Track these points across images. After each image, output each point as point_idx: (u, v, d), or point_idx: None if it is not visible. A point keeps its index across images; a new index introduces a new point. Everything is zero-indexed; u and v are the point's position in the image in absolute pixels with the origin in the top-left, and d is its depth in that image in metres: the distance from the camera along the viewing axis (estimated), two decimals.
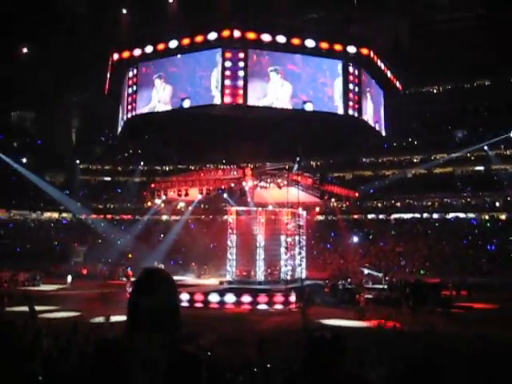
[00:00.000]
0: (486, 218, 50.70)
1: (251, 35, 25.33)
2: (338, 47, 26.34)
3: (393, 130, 37.33)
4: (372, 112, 29.83)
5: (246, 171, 30.41)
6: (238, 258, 34.00)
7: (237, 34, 25.16)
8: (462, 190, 51.55)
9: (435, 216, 52.27)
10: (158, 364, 2.07)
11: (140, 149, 61.82)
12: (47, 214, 59.93)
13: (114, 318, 16.79)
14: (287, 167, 36.63)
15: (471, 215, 51.10)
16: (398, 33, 51.47)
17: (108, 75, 30.21)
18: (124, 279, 38.00)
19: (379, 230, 49.94)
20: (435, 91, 59.91)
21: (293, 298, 28.22)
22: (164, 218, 54.40)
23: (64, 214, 59.67)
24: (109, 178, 64.37)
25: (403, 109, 45.33)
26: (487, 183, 50.32)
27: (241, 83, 25.46)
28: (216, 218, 50.05)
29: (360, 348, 14.18)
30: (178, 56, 26.80)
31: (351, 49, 26.57)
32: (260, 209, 34.24)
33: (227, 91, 25.35)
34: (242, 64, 25.46)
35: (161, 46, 26.59)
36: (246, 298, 27.95)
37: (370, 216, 53.71)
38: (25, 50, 56.30)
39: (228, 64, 25.46)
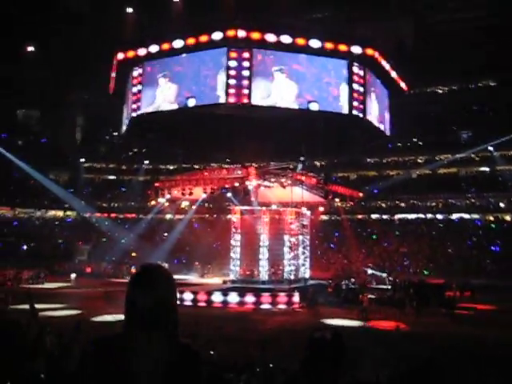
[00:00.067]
0: (491, 218, 50.54)
1: (256, 35, 25.36)
2: (342, 47, 26.32)
3: (397, 131, 37.28)
4: (377, 112, 29.80)
5: (249, 170, 30.39)
6: (242, 257, 34.02)
7: (241, 33, 25.18)
8: (466, 191, 51.39)
9: (439, 217, 52.12)
10: (157, 363, 2.06)
11: (144, 147, 61.92)
12: (51, 213, 59.98)
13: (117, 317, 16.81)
14: (291, 167, 36.63)
15: (475, 216, 50.92)
16: (401, 33, 51.35)
17: (113, 74, 30.27)
18: (128, 278, 38.05)
19: (383, 230, 49.87)
20: (440, 91, 59.73)
21: (296, 297, 28.23)
22: (168, 216, 54.47)
23: (68, 213, 59.76)
24: (113, 177, 64.43)
25: (408, 109, 45.23)
26: (492, 184, 50.17)
27: (245, 83, 25.47)
28: (220, 217, 50.10)
29: (362, 348, 14.20)
30: (183, 55, 26.83)
31: (356, 49, 26.55)
32: (264, 208, 34.25)
33: (232, 91, 25.37)
34: (246, 64, 25.47)
35: (166, 46, 26.63)
36: (250, 298, 27.97)
37: (374, 216, 53.63)
38: (29, 49, 56.49)
39: (233, 63, 25.47)
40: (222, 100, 25.65)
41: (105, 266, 46.34)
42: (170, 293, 2.15)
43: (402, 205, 53.79)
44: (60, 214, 60.28)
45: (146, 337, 2.02)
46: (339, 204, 37.44)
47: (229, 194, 31.79)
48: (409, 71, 34.72)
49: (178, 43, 26.28)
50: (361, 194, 37.72)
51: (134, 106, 28.23)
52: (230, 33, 25.30)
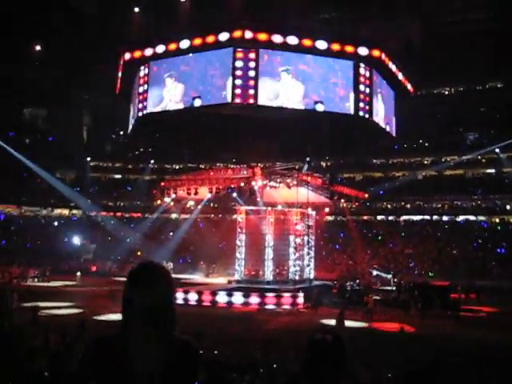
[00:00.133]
0: (497, 220, 50.42)
1: (262, 36, 25.34)
2: (349, 49, 26.27)
3: (403, 132, 37.19)
4: (383, 113, 29.72)
5: (255, 171, 30.37)
6: (247, 257, 34.04)
7: (248, 34, 25.17)
8: (472, 193, 51.25)
9: (445, 218, 52.03)
10: (156, 362, 2.05)
11: (150, 147, 62.07)
12: (58, 211, 60.25)
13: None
14: (297, 167, 36.61)
15: (481, 218, 50.78)
16: (409, 34, 51.23)
17: (119, 74, 30.33)
18: None
19: (388, 231, 49.80)
20: (447, 93, 59.61)
21: (301, 298, 28.22)
22: (173, 216, 54.57)
23: (74, 211, 59.99)
24: (119, 176, 64.64)
25: (414, 110, 45.18)
26: (498, 186, 50.03)
27: (252, 83, 25.45)
28: (225, 217, 50.16)
29: (366, 350, 14.19)
30: (190, 55, 26.85)
31: (363, 50, 26.49)
32: (269, 208, 34.24)
33: (238, 91, 25.36)
34: (252, 64, 25.46)
35: (172, 46, 26.64)
36: (254, 298, 27.98)
37: (379, 217, 53.57)
38: (37, 48, 56.73)
39: (239, 64, 25.47)
40: (229, 100, 25.67)
41: (110, 264, 46.46)
42: (168, 291, 2.12)
43: (408, 206, 53.71)
44: (66, 212, 60.50)
45: (145, 336, 2.01)
46: (345, 205, 37.39)
47: (234, 194, 31.77)
48: (416, 72, 34.65)
49: (184, 43, 26.30)
50: (366, 195, 37.66)
51: (141, 106, 28.27)
52: (237, 33, 25.29)
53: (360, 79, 26.91)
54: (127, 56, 28.28)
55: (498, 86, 56.84)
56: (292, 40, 25.59)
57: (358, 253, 45.73)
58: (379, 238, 49.70)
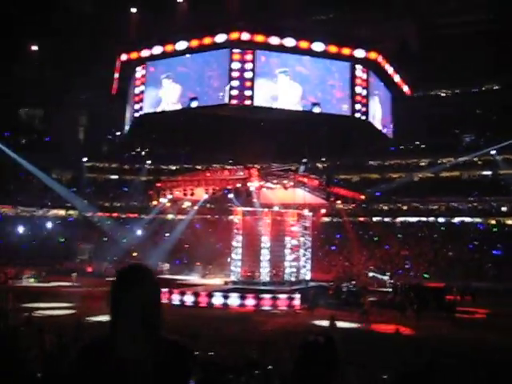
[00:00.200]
0: (493, 222, 50.53)
1: (259, 38, 25.40)
2: (346, 51, 26.34)
3: (400, 133, 37.24)
4: (380, 115, 29.77)
5: (252, 172, 30.40)
6: (243, 258, 34.04)
7: (245, 36, 25.22)
8: (468, 195, 51.32)
9: (441, 220, 52.13)
10: (144, 362, 2.06)
11: (147, 147, 61.97)
12: (54, 211, 60.11)
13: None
14: (293, 168, 36.62)
15: (477, 220, 50.90)
16: (406, 35, 51.29)
17: (116, 75, 30.31)
18: None
19: (385, 232, 49.83)
20: (443, 95, 59.71)
21: (297, 299, 28.24)
22: (170, 217, 54.50)
23: (70, 212, 59.86)
24: (115, 177, 64.53)
25: (411, 112, 45.21)
26: (494, 188, 50.11)
27: (248, 84, 25.48)
28: (221, 218, 50.12)
29: (362, 351, 14.20)
30: (187, 56, 26.86)
31: (359, 53, 26.56)
32: (266, 210, 34.24)
33: (234, 92, 25.38)
34: (249, 65, 25.49)
35: (169, 47, 26.67)
36: (250, 299, 28.00)
37: (375, 219, 53.60)
38: (33, 48, 56.61)
39: (236, 65, 25.49)
40: (225, 101, 25.68)
41: (106, 265, 46.34)
42: (155, 292, 2.15)
43: (404, 208, 53.81)
44: (62, 213, 60.37)
45: (132, 336, 2.02)
46: (341, 206, 37.40)
47: (231, 195, 31.77)
48: (412, 74, 34.68)
49: (181, 45, 26.32)
50: (363, 197, 37.70)
51: (137, 107, 28.26)
52: (234, 35, 25.33)
53: (357, 81, 26.97)
54: (124, 57, 28.28)
55: (495, 88, 56.95)
56: (289, 42, 25.64)
57: (354, 254, 45.75)
58: (375, 239, 49.73)
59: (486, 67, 50.19)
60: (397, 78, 30.22)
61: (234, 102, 25.47)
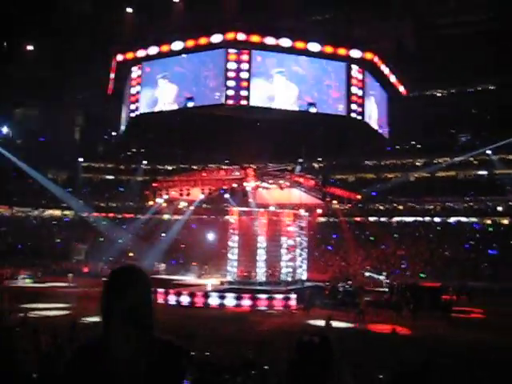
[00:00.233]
0: (488, 222, 50.63)
1: (255, 38, 25.43)
2: (342, 51, 26.39)
3: (396, 133, 37.29)
4: (376, 115, 29.82)
5: (248, 172, 30.40)
6: (239, 258, 34.00)
7: (241, 36, 25.24)
8: (464, 194, 51.40)
9: (437, 220, 52.20)
10: (137, 362, 2.06)
11: (143, 147, 61.87)
12: (49, 212, 59.99)
13: None
14: (289, 168, 36.63)
15: (473, 219, 50.99)
16: (402, 35, 51.36)
17: (111, 76, 30.28)
18: None
19: (381, 232, 49.86)
20: (439, 95, 59.80)
21: (293, 299, 28.25)
22: (166, 217, 54.43)
23: (66, 212, 59.72)
24: (111, 177, 64.41)
25: (406, 112, 45.26)
26: (490, 188, 50.22)
27: (244, 84, 25.50)
28: (218, 218, 50.10)
29: (358, 351, 14.21)
30: (183, 56, 26.85)
31: (355, 53, 26.61)
32: (262, 210, 34.23)
33: (230, 92, 25.40)
34: (245, 66, 25.52)
35: (165, 48, 26.67)
36: (247, 299, 28.00)
37: (371, 218, 53.64)
38: (29, 48, 56.41)
39: (232, 65, 25.51)
40: (222, 101, 25.70)
41: (102, 265, 46.25)
42: (147, 292, 2.15)
43: (400, 207, 53.85)
44: (58, 213, 60.25)
45: (125, 336, 2.02)
46: (337, 206, 37.41)
47: (227, 195, 31.76)
48: (408, 74, 34.73)
49: (177, 45, 26.34)
50: (359, 197, 37.71)
51: (133, 107, 28.24)
52: (230, 36, 25.36)
53: (352, 81, 27.03)
54: (120, 57, 28.26)
55: (490, 88, 57.06)
56: (285, 42, 25.69)
57: (350, 254, 45.76)
58: (371, 239, 49.77)
59: (481, 67, 50.27)
60: (393, 79, 30.28)
61: (230, 102, 25.50)
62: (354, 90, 27.02)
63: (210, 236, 47.51)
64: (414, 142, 56.46)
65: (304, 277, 36.19)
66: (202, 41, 25.75)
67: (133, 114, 28.28)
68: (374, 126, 29.61)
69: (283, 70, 26.12)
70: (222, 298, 28.38)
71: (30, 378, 4.61)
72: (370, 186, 51.38)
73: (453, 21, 54.10)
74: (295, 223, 34.64)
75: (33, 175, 53.32)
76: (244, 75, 25.51)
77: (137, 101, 28.00)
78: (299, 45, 25.85)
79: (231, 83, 25.47)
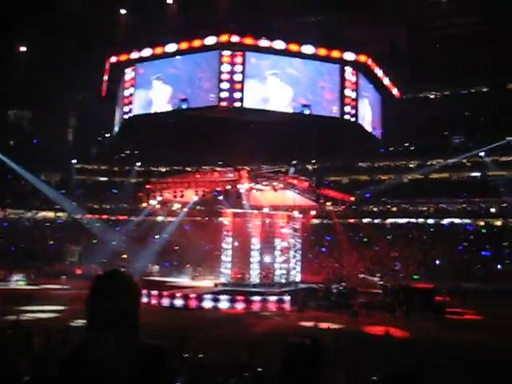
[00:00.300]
0: (481, 224, 50.79)
1: (249, 40, 25.48)
2: (335, 54, 26.46)
3: (389, 135, 37.38)
4: (370, 117, 29.90)
5: (242, 173, 30.41)
6: (233, 260, 33.98)
7: (235, 39, 25.28)
8: (457, 196, 51.57)
9: (430, 221, 52.32)
10: (122, 366, 2.07)
11: (136, 149, 61.71)
12: (42, 214, 59.77)
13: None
14: (283, 170, 36.64)
15: (466, 221, 51.15)
16: (395, 37, 51.53)
17: (105, 78, 30.23)
18: None
19: (374, 234, 49.93)
20: (432, 96, 60.02)
21: (287, 301, 28.25)
22: (159, 219, 54.31)
23: (59, 214, 59.51)
24: (105, 178, 64.22)
25: (400, 114, 45.38)
26: (483, 189, 50.38)
27: (238, 86, 25.52)
28: (211, 219, 50.03)
29: (351, 352, 14.23)
30: (178, 57, 26.85)
31: (349, 55, 26.68)
32: (255, 211, 34.23)
33: (224, 94, 25.42)
34: (239, 68, 25.54)
35: (158, 50, 26.69)
36: (241, 301, 27.98)
37: (365, 220, 53.70)
38: (22, 49, 56.26)
39: (225, 68, 25.53)
40: (215, 103, 25.71)
41: (95, 267, 46.09)
42: (131, 296, 2.18)
43: (394, 209, 53.95)
44: (51, 215, 60.03)
45: (109, 341, 2.05)
46: (331, 208, 37.45)
47: (221, 197, 31.74)
48: (401, 76, 34.84)
49: (171, 47, 26.36)
50: (352, 198, 37.78)
51: (126, 109, 28.20)
52: (224, 38, 25.40)
53: (346, 83, 27.10)
54: (113, 59, 28.23)
55: (483, 90, 57.31)
56: (278, 44, 25.77)
57: (344, 256, 45.78)
58: (365, 240, 49.83)
59: (475, 69, 50.47)
60: (386, 81, 30.37)
61: (224, 103, 25.51)
62: (347, 92, 27.09)
63: (204, 238, 47.43)
64: (407, 144, 56.60)
65: (298, 278, 36.20)
66: (196, 43, 25.78)
67: (126, 116, 28.24)
68: (368, 127, 29.68)
69: (277, 71, 26.15)
70: (216, 299, 28.34)
71: (22, 380, 4.59)
72: (363, 188, 51.47)
73: (446, 23, 54.36)
74: (289, 225, 34.67)
75: (26, 177, 53.13)
76: (238, 77, 25.53)
77: (130, 102, 27.98)
78: (293, 47, 25.92)
79: (225, 85, 25.49)
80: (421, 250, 46.63)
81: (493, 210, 50.45)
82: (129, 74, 28.20)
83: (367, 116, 29.51)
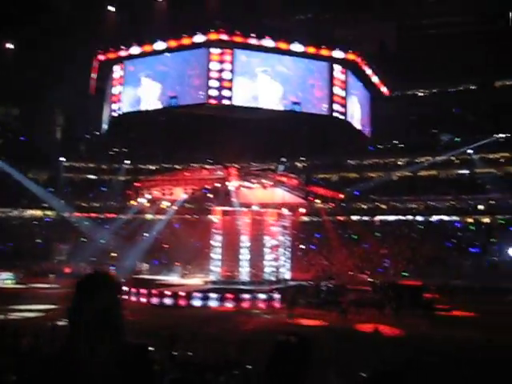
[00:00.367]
0: (470, 221, 51.09)
1: (238, 38, 25.44)
2: (324, 52, 26.50)
3: (378, 133, 37.49)
4: (359, 114, 29.97)
5: (230, 171, 30.38)
6: (223, 258, 33.94)
7: (224, 37, 25.23)
8: (446, 193, 51.84)
9: (419, 218, 52.53)
10: (105, 366, 2.06)
11: (125, 147, 61.45)
12: (30, 212, 59.35)
13: None
14: (272, 168, 36.64)
15: (455, 218, 51.42)
16: (383, 36, 51.71)
17: (93, 75, 30.05)
18: None
19: (364, 231, 50.07)
20: (421, 94, 60.27)
21: (276, 298, 28.27)
22: (148, 217, 54.13)
23: (47, 212, 59.14)
24: (93, 176, 63.89)
25: (389, 111, 45.52)
26: (471, 186, 50.70)
27: (227, 84, 25.48)
28: (201, 217, 49.92)
29: (340, 350, 14.25)
30: (167, 55, 26.76)
31: (338, 53, 26.72)
32: (245, 209, 34.19)
33: (213, 92, 25.36)
34: (228, 66, 25.50)
35: (147, 48, 26.58)
36: (230, 299, 27.97)
37: (354, 218, 53.80)
38: (8, 46, 55.82)
39: (214, 65, 25.47)
40: (205, 100, 25.65)
41: (84, 266, 45.85)
42: (114, 296, 2.18)
43: (383, 206, 54.10)
44: (39, 213, 59.63)
45: (93, 340, 2.04)
46: (320, 205, 37.51)
47: (210, 195, 31.68)
48: (390, 74, 34.94)
49: (159, 45, 26.26)
50: (342, 196, 37.85)
51: (115, 106, 28.06)
52: (213, 36, 25.34)
53: (335, 81, 27.14)
54: (101, 57, 28.08)
55: (472, 88, 57.64)
56: (268, 42, 25.74)
57: (333, 253, 45.88)
58: (354, 238, 49.96)
59: (463, 67, 50.76)
60: (375, 79, 30.44)
61: (213, 101, 25.46)
62: (336, 90, 27.14)
63: (193, 236, 47.33)
64: (396, 142, 56.77)
65: (287, 276, 36.24)
66: (185, 41, 25.71)
67: (115, 114, 28.10)
68: (357, 125, 29.74)
69: (267, 68, 26.14)
70: (206, 297, 28.32)
71: (10, 380, 4.55)
72: (352, 185, 51.63)
73: (434, 21, 54.60)
74: (278, 222, 34.68)
75: (13, 175, 52.74)
76: (227, 75, 25.49)
77: (119, 100, 27.85)
78: (282, 45, 25.93)
79: (214, 83, 25.44)
80: (410, 247, 46.83)
81: (481, 207, 50.75)
82: (117, 71, 28.05)
83: (356, 114, 29.57)
